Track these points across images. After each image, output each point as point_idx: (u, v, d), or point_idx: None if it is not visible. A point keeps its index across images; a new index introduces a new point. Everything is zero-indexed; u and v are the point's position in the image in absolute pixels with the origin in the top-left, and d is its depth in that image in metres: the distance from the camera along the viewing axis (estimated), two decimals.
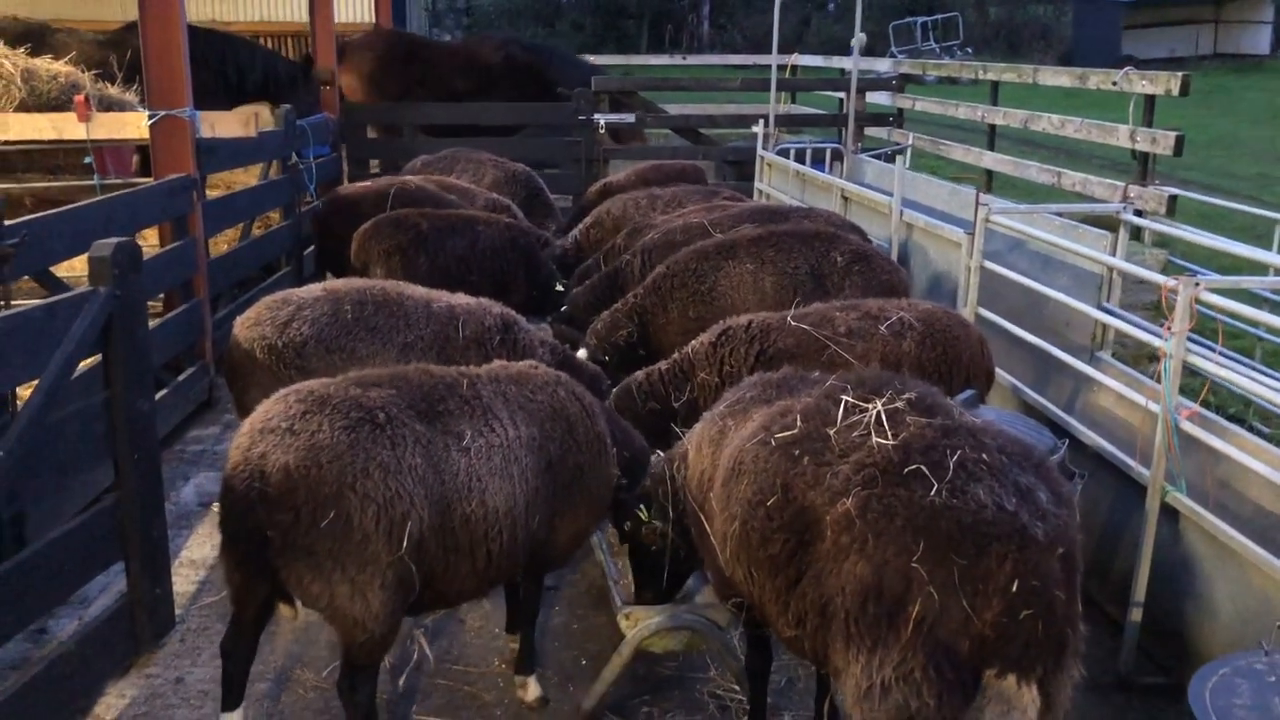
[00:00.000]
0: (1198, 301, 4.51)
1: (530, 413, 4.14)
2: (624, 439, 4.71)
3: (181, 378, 7.25)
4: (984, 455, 3.00)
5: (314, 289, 5.61)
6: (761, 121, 12.17)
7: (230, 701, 4.04)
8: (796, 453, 3.29)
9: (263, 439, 3.63)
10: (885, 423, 3.21)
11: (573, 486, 4.26)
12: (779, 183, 11.52)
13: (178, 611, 5.11)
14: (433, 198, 8.41)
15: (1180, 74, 9.37)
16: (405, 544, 3.63)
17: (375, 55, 14.74)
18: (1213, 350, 4.99)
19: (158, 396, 5.88)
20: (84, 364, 4.66)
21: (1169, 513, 4.75)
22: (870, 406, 3.29)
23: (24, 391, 4.93)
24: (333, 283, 5.79)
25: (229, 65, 11.56)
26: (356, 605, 3.64)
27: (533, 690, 4.55)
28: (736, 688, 4.57)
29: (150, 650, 4.82)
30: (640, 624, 4.35)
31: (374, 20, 16.53)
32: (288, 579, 3.68)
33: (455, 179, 9.53)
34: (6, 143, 7.53)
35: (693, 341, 5.71)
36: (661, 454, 4.59)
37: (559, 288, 7.69)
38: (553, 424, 4.20)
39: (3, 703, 3.87)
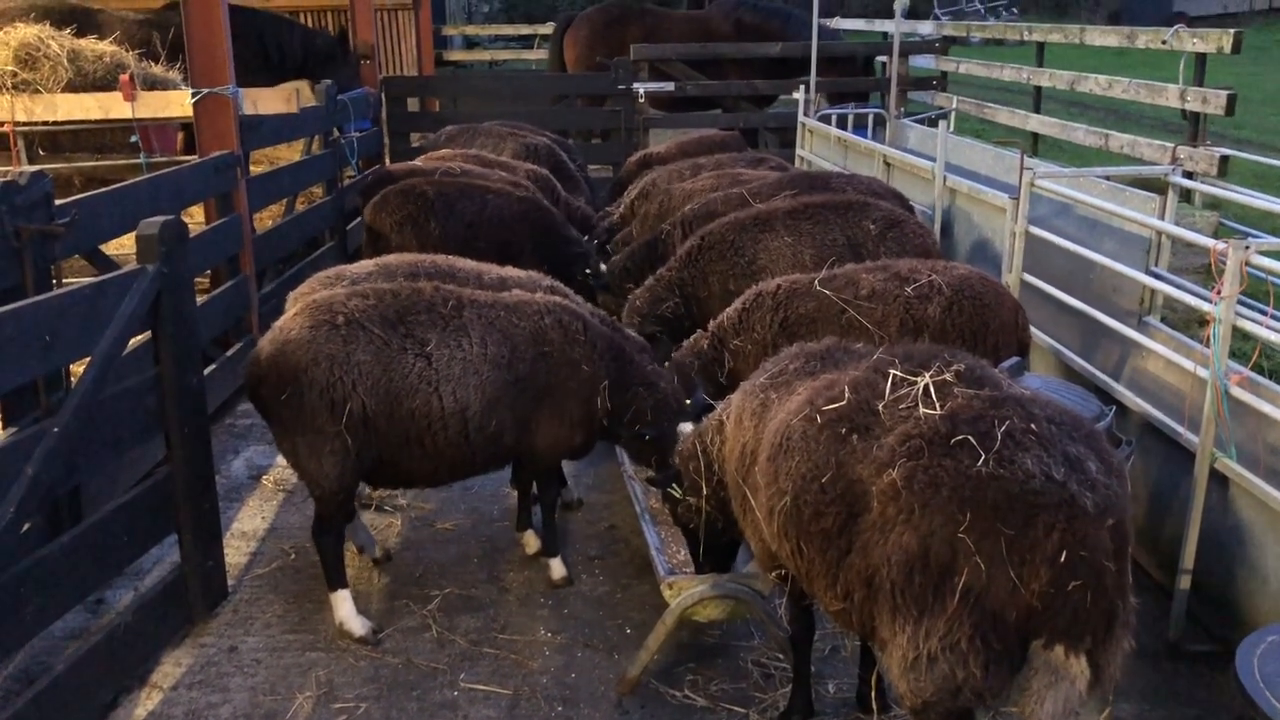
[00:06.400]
0: (1248, 264, 4.42)
1: (506, 333, 4.79)
2: (647, 384, 5.17)
3: (230, 352, 7.35)
4: (1032, 425, 2.97)
5: (366, 264, 5.66)
6: (802, 87, 12.04)
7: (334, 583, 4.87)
8: (844, 428, 3.28)
9: (270, 333, 4.70)
10: (933, 394, 3.19)
11: (543, 401, 4.88)
12: (820, 149, 11.40)
13: (230, 582, 5.21)
14: (476, 174, 8.38)
15: (1232, 31, 9.14)
16: (345, 420, 4.51)
17: (591, 27, 14.86)
18: (1264, 314, 4.89)
19: (207, 371, 5.97)
20: (134, 341, 4.74)
21: (1218, 479, 4.69)
22: (918, 379, 3.27)
23: (76, 368, 5.05)
24: (385, 257, 5.83)
25: (268, 43, 11.61)
26: (311, 463, 4.63)
27: (557, 570, 5.25)
28: (780, 656, 4.59)
29: (204, 620, 4.93)
30: (684, 593, 4.38)
31: None
32: (274, 436, 4.81)
33: (482, 153, 9.48)
34: (55, 123, 7.63)
35: (726, 309, 5.71)
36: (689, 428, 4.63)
37: (592, 268, 7.54)
38: (527, 346, 4.82)
39: (65, 671, 3.99)
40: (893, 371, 3.34)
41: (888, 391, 3.28)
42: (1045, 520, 2.80)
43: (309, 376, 4.49)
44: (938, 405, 3.13)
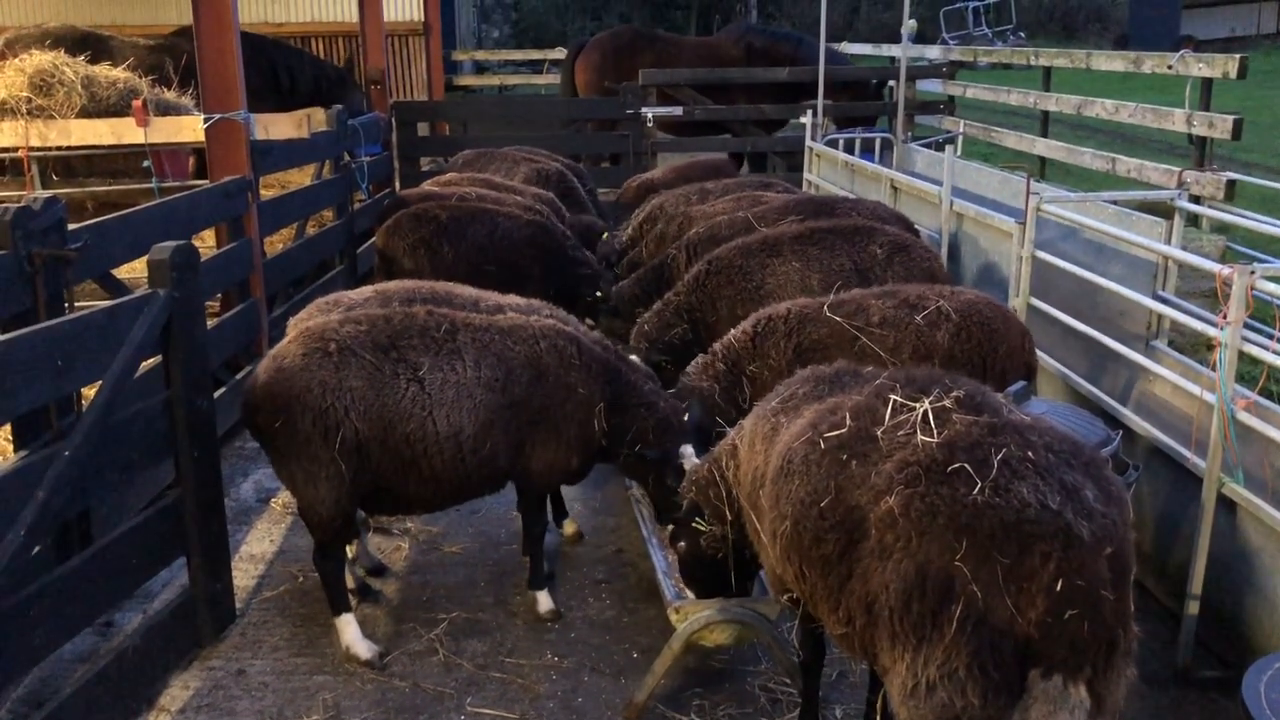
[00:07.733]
0: (1254, 289, 4.43)
1: (501, 357, 4.80)
2: (647, 405, 5.17)
3: (240, 376, 7.38)
4: (1030, 453, 2.97)
5: (364, 290, 5.69)
6: (810, 111, 12.09)
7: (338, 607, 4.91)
8: (844, 453, 3.29)
9: (265, 361, 4.75)
10: (931, 421, 3.20)
11: (539, 424, 4.90)
12: (828, 173, 11.45)
13: (238, 605, 5.23)
14: (490, 199, 8.44)
15: (1238, 56, 9.15)
16: (339, 446, 4.54)
17: (602, 52, 15.06)
18: (1271, 338, 4.89)
19: (216, 395, 6.00)
20: (145, 364, 4.78)
21: (1226, 504, 4.68)
22: (918, 405, 3.28)
23: (88, 392, 5.08)
24: (383, 284, 5.87)
25: (279, 70, 11.73)
26: (308, 490, 4.66)
27: (543, 603, 5.20)
28: (788, 680, 4.59)
29: (212, 643, 4.95)
30: (690, 618, 4.39)
31: (423, 19, 16.66)
32: (271, 463, 4.85)
33: (490, 176, 9.57)
34: (69, 148, 7.72)
35: (732, 331, 5.71)
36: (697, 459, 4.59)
37: (602, 290, 7.58)
38: (522, 370, 4.83)
39: (73, 694, 4.01)
40: (892, 397, 3.36)
41: (887, 417, 3.29)
42: (1041, 549, 2.79)
43: (302, 403, 4.53)
44: (935, 432, 3.14)
